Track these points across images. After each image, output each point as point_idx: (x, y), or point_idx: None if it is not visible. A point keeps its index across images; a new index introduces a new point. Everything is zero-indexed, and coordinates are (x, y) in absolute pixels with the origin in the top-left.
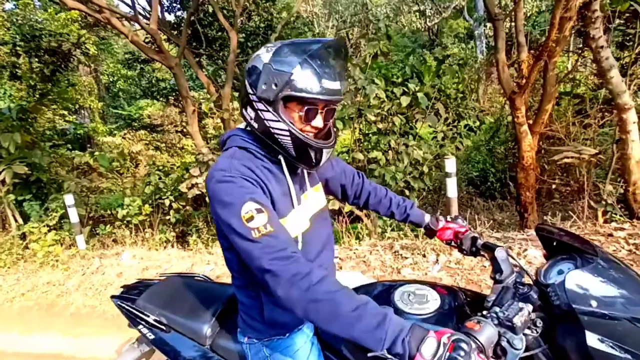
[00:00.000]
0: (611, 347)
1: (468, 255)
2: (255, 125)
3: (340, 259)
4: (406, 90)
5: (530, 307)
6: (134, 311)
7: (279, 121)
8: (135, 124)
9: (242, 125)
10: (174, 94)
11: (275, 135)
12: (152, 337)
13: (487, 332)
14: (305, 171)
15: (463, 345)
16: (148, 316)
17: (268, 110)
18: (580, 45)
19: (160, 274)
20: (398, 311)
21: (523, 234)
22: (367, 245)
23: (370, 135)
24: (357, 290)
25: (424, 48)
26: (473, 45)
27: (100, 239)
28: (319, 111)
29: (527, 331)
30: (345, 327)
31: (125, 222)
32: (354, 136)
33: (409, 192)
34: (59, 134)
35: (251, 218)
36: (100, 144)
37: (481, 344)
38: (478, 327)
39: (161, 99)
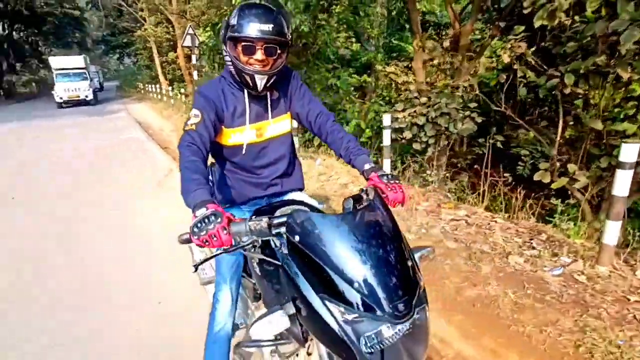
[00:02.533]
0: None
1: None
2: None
3: None
4: None
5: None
6: None
7: (227, 55)
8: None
9: None
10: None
11: (229, 68)
12: None
13: (239, 225)
14: (269, 102)
15: (212, 217)
16: None
17: (225, 50)
18: None
19: None
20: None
21: None
22: None
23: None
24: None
25: None
26: None
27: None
28: (257, 47)
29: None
30: (183, 192)
31: None
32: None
33: None
34: (338, 58)
35: (189, 118)
36: (378, 71)
37: (231, 227)
38: (239, 220)
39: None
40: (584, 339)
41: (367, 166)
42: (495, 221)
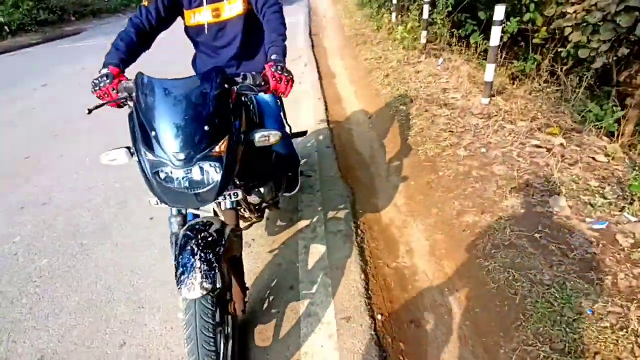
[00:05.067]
0: None
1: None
2: None
3: None
4: None
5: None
6: None
7: None
8: None
9: None
10: None
11: None
12: None
13: (122, 85)
14: None
15: (105, 77)
16: None
17: None
18: None
19: None
20: None
21: None
22: None
23: None
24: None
25: None
26: None
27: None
28: None
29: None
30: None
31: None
32: None
33: None
34: None
35: None
36: None
37: (119, 86)
38: (125, 81)
39: None
40: (531, 290)
41: (273, 57)
42: (594, 158)
